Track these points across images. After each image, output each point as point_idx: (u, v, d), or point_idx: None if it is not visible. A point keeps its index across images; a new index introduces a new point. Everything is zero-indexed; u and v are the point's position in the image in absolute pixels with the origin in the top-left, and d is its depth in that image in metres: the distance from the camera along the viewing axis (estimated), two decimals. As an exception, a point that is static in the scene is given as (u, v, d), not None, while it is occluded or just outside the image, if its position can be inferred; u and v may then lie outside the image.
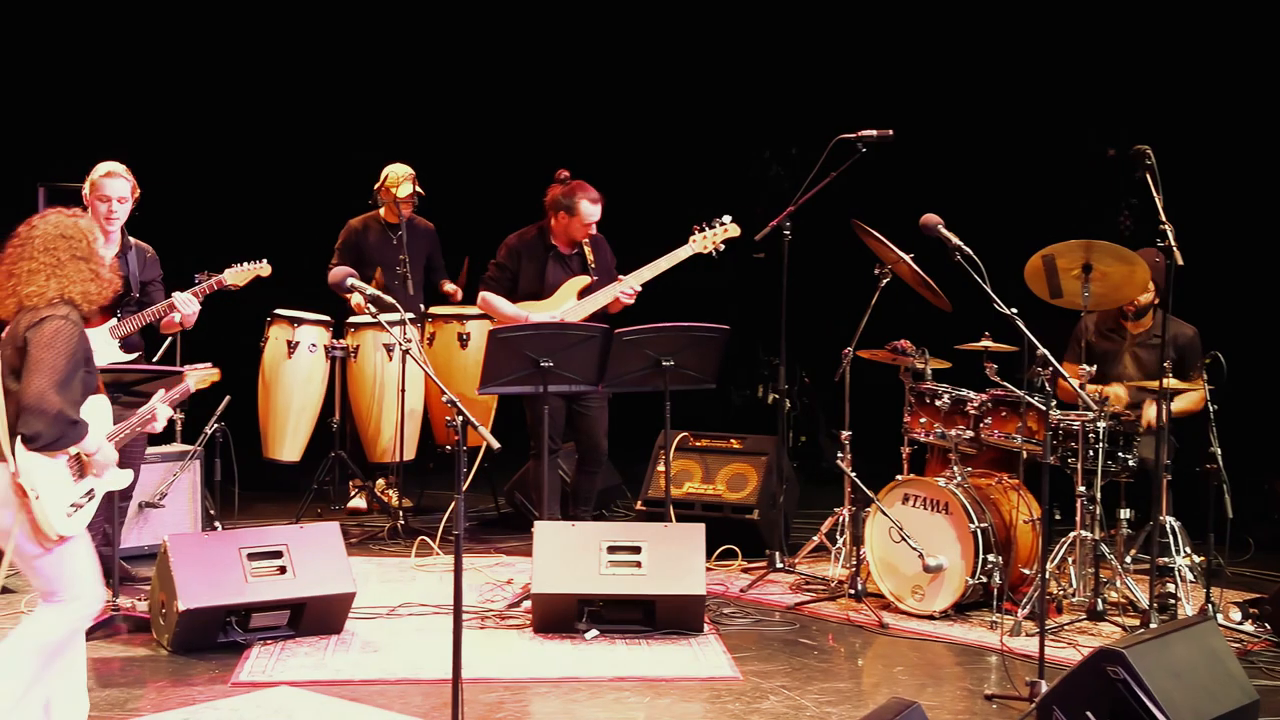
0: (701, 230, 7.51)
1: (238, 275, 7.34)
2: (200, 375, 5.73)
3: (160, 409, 5.19)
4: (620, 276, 7.54)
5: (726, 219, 7.53)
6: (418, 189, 8.68)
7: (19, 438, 4.52)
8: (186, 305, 6.93)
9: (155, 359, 7.75)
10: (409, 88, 10.90)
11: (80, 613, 4.72)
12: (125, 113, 10.04)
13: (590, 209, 7.49)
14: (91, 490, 4.76)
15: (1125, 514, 6.84)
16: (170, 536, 6.14)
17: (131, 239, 6.94)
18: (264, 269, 7.45)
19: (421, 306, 8.82)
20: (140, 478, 6.91)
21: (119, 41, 10.21)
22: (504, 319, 7.45)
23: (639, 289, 7.50)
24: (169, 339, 7.70)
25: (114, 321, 6.77)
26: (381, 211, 8.83)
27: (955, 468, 6.98)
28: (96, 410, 4.82)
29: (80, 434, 4.62)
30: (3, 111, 9.92)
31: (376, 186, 8.77)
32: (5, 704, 4.59)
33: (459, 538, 4.63)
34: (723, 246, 7.53)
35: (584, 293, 7.55)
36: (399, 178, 8.67)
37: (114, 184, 6.77)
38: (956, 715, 5.54)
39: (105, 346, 6.62)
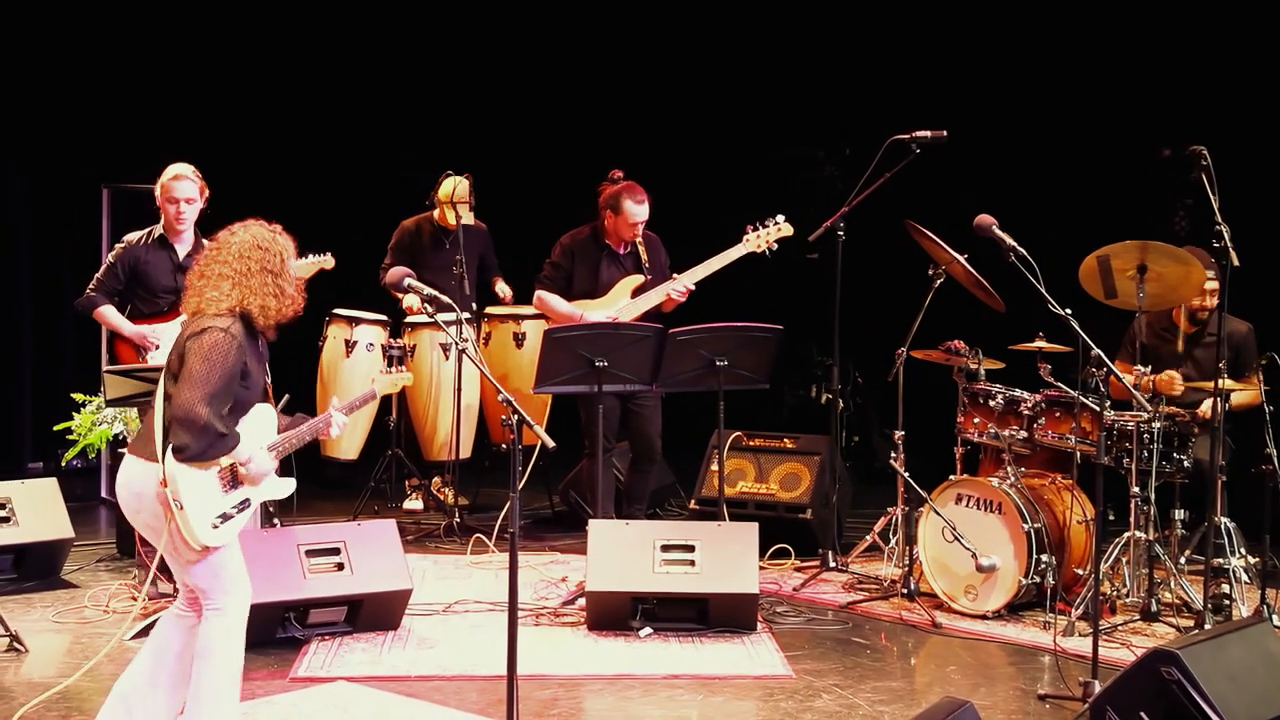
0: (755, 229, 7.52)
1: (301, 268, 7.49)
2: (389, 380, 5.63)
3: (336, 417, 5.11)
4: (674, 275, 7.57)
5: (780, 218, 7.54)
6: (464, 214, 8.68)
7: (169, 448, 4.53)
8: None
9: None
10: (464, 88, 10.94)
11: (231, 618, 4.69)
12: (186, 116, 10.14)
13: (635, 208, 7.51)
14: (246, 500, 4.72)
15: (1180, 515, 6.83)
16: (230, 533, 6.20)
17: (204, 240, 7.05)
18: (327, 261, 7.54)
19: (474, 306, 8.88)
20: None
21: (181, 45, 10.30)
22: (560, 318, 7.50)
23: (692, 287, 7.53)
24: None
25: (184, 317, 6.90)
26: (435, 214, 8.89)
27: (1009, 468, 6.96)
28: (260, 419, 4.81)
29: (228, 446, 4.59)
30: (68, 114, 10.06)
31: (434, 190, 8.82)
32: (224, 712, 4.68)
33: (514, 535, 4.66)
34: (776, 246, 7.54)
35: (637, 292, 7.58)
36: (448, 194, 8.66)
37: (181, 186, 6.93)
38: (1010, 715, 5.54)
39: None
